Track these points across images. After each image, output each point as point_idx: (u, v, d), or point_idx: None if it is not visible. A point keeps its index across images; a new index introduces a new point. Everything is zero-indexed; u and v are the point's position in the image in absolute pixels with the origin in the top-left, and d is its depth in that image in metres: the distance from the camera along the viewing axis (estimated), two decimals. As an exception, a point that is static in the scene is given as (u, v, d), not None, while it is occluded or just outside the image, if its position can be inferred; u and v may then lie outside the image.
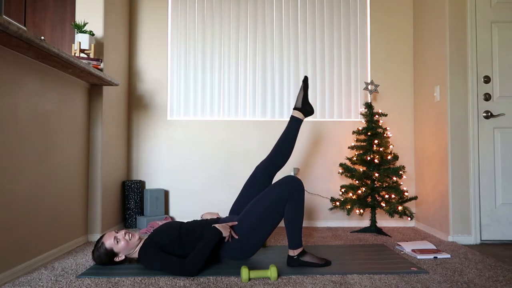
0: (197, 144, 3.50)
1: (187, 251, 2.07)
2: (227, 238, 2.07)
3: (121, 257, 2.10)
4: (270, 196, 2.07)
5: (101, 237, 2.13)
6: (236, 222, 2.10)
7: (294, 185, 2.07)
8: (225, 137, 3.51)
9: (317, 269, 2.08)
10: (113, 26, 3.11)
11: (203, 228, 2.13)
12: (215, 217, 2.31)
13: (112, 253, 2.08)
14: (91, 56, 2.76)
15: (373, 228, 3.13)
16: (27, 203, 2.07)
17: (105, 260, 2.09)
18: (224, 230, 2.05)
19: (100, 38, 2.90)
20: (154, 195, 3.32)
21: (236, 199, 2.40)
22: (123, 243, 2.07)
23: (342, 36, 3.58)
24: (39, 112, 2.19)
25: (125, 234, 2.10)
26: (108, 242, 2.08)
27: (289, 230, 2.11)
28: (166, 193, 3.48)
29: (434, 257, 2.34)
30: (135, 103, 3.51)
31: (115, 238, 2.08)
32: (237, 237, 2.09)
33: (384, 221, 3.47)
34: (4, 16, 2.28)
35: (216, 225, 2.06)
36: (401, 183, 3.32)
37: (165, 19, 3.55)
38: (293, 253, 2.13)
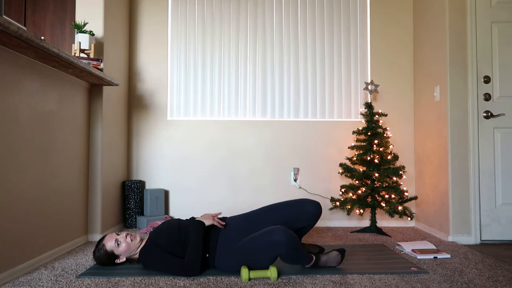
0: (197, 144, 3.50)
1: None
2: (218, 225, 2.07)
3: (122, 259, 2.10)
4: (262, 249, 1.91)
5: (102, 238, 2.12)
6: (221, 212, 2.06)
7: (280, 247, 1.87)
8: (226, 137, 3.51)
9: (317, 270, 2.08)
10: (113, 26, 3.11)
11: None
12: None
13: (112, 255, 2.08)
14: (91, 56, 2.76)
15: (373, 228, 3.13)
16: (27, 203, 2.07)
17: (105, 262, 2.09)
18: (207, 220, 2.06)
19: (100, 38, 2.90)
20: (154, 195, 3.32)
21: (254, 212, 2.20)
22: (124, 245, 2.07)
23: (342, 36, 3.58)
24: (39, 112, 2.19)
25: (126, 236, 2.09)
26: (109, 244, 2.07)
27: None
28: (166, 193, 3.48)
29: (434, 257, 2.34)
30: (135, 103, 3.51)
31: (116, 240, 2.07)
32: (224, 223, 2.10)
33: (384, 221, 3.47)
34: (4, 16, 2.27)
35: (198, 218, 2.09)
36: (401, 183, 3.32)
37: (165, 19, 3.55)
38: (308, 266, 2.08)
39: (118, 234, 2.11)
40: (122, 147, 3.33)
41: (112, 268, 2.11)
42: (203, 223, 2.05)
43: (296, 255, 1.93)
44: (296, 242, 1.90)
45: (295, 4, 3.58)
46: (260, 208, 2.22)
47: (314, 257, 2.06)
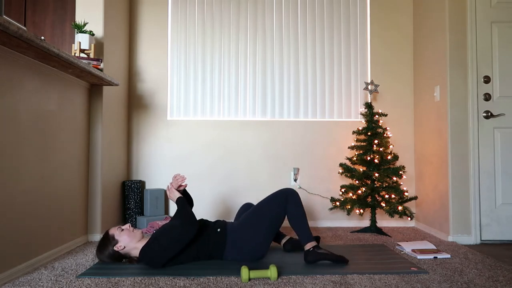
0: (197, 144, 3.50)
1: (191, 252, 2.10)
2: (180, 183, 2.28)
3: (121, 246, 2.11)
4: (267, 210, 2.20)
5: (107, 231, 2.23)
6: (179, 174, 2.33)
7: (285, 198, 2.21)
8: (225, 137, 3.51)
9: (317, 269, 2.08)
10: (113, 26, 3.11)
11: (206, 226, 2.20)
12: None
13: (113, 240, 2.13)
14: (91, 56, 2.76)
15: (373, 228, 3.13)
16: (27, 203, 2.07)
17: (104, 247, 2.13)
18: (171, 196, 2.27)
19: (100, 38, 2.90)
20: (154, 195, 3.32)
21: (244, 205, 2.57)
22: (126, 232, 2.15)
23: (342, 36, 3.58)
24: (39, 112, 2.19)
25: (129, 226, 2.20)
26: (112, 230, 2.18)
27: (297, 229, 2.19)
28: (166, 193, 3.48)
29: (434, 257, 2.34)
30: (135, 103, 3.51)
31: (119, 227, 2.19)
32: (185, 184, 2.35)
33: (384, 221, 3.47)
34: (4, 16, 2.27)
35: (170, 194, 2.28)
36: (401, 183, 3.32)
37: (165, 19, 3.55)
38: (308, 246, 2.18)
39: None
40: (122, 147, 3.33)
41: (112, 268, 2.11)
42: (174, 199, 2.24)
43: (303, 212, 2.19)
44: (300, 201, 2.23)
45: (295, 5, 3.58)
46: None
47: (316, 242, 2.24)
